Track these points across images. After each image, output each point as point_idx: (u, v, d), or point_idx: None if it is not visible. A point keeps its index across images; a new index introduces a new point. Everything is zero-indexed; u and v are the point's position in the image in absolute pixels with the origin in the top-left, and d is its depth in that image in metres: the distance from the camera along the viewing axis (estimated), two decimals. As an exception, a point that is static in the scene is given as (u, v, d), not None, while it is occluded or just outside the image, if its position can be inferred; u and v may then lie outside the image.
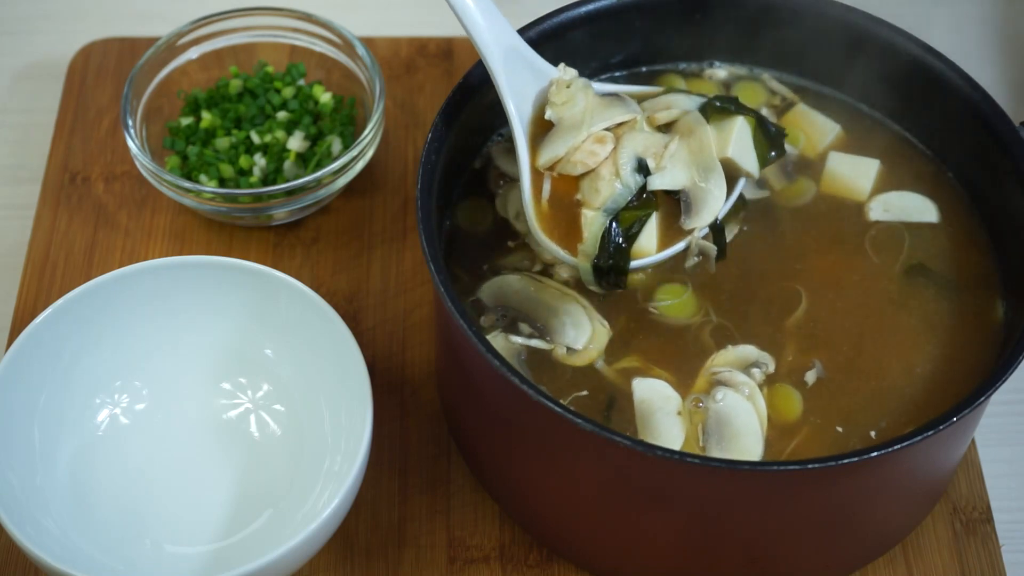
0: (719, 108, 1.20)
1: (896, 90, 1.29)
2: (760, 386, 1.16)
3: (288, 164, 1.42)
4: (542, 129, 1.19)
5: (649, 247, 1.17)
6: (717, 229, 1.19)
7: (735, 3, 1.30)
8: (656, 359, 1.18)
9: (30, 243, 1.42)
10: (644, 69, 1.34)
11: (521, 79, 1.19)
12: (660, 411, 1.14)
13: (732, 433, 1.14)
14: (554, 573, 1.24)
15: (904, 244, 1.24)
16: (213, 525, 1.22)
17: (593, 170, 1.16)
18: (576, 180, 1.17)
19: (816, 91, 1.33)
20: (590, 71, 1.33)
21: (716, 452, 1.13)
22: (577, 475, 1.14)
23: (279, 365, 1.28)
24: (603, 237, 1.16)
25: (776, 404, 1.16)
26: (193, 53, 1.47)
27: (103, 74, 1.54)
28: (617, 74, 1.34)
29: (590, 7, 1.28)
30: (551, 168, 1.18)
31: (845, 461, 1.05)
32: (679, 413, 1.15)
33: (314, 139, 1.44)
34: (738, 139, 1.19)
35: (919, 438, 1.06)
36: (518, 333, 1.18)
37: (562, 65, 1.21)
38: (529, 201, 1.18)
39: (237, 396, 1.29)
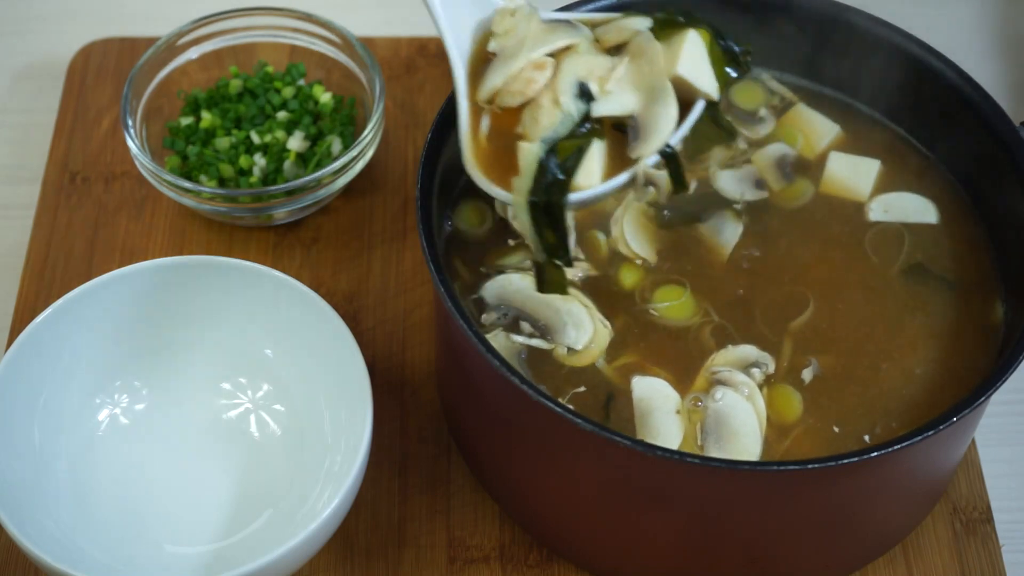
0: (666, 22, 1.11)
1: (896, 90, 1.29)
2: (760, 386, 1.16)
3: (288, 164, 1.42)
4: (485, 63, 1.13)
5: (590, 180, 1.10)
6: (670, 156, 1.10)
7: (734, 3, 1.30)
8: (656, 359, 1.18)
9: (30, 243, 1.42)
10: (644, 69, 1.34)
11: (462, 9, 1.13)
12: (659, 410, 1.14)
13: (731, 433, 1.14)
14: (554, 573, 1.24)
15: (904, 245, 1.24)
16: (213, 525, 1.22)
17: (533, 99, 1.09)
18: (518, 112, 1.10)
19: (816, 91, 1.33)
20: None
21: (714, 451, 1.13)
22: (577, 475, 1.14)
23: (279, 365, 1.28)
24: (539, 170, 1.08)
25: (776, 404, 1.16)
26: (193, 53, 1.47)
27: (103, 74, 1.54)
28: (617, 74, 1.34)
29: (589, 7, 1.28)
30: (491, 101, 1.11)
31: (845, 461, 1.05)
32: (678, 412, 1.15)
33: (314, 139, 1.44)
34: (690, 55, 1.10)
35: (919, 438, 1.06)
36: (519, 332, 1.18)
37: None
38: (465, 136, 1.10)
39: (237, 396, 1.29)
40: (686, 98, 1.09)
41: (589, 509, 1.17)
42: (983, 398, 1.08)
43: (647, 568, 1.19)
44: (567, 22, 1.13)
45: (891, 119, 1.31)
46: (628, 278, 1.22)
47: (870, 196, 1.27)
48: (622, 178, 1.10)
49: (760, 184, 1.28)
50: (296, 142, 1.43)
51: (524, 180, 1.08)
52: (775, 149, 1.30)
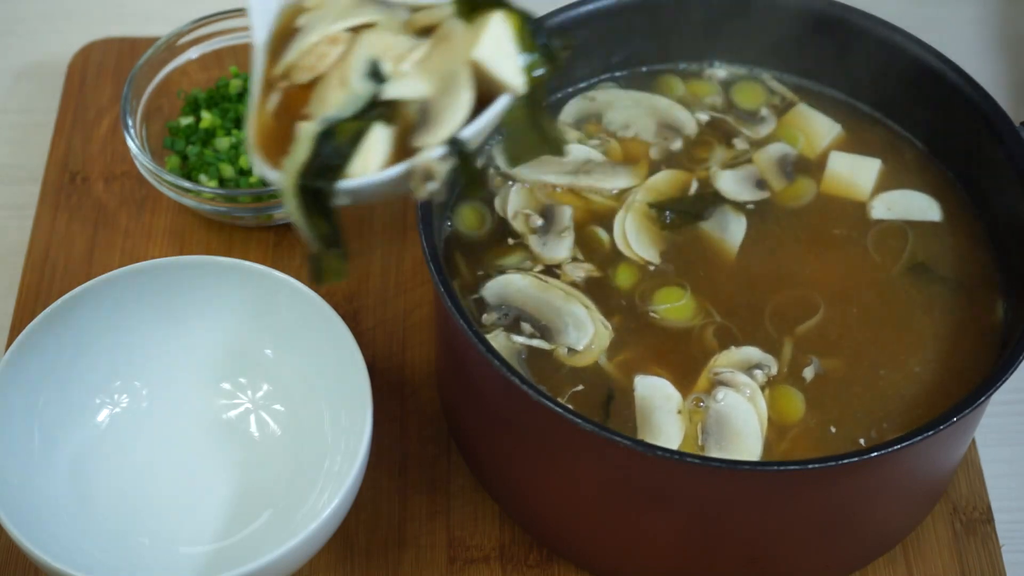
0: (478, 2, 0.98)
1: (896, 90, 1.29)
2: (762, 387, 1.16)
3: (288, 164, 1.42)
4: (292, 38, 1.03)
5: (367, 168, 0.97)
6: (461, 153, 0.97)
7: (735, 3, 1.30)
8: (657, 358, 1.18)
9: (30, 243, 1.42)
10: (644, 69, 1.34)
11: None
12: (660, 409, 1.14)
13: (732, 433, 1.14)
14: (554, 573, 1.24)
15: (907, 243, 1.24)
16: (213, 525, 1.22)
17: (323, 76, 0.99)
18: (310, 90, 1.00)
19: (816, 91, 1.33)
20: (590, 71, 1.33)
21: (715, 452, 1.13)
22: (577, 475, 1.14)
23: (279, 365, 1.28)
24: (313, 152, 0.97)
25: (777, 405, 1.16)
26: (193, 53, 1.47)
27: (103, 74, 1.54)
28: (617, 74, 1.34)
29: (590, 7, 1.28)
30: (286, 76, 1.01)
31: (845, 461, 1.05)
32: (679, 412, 1.15)
33: (314, 139, 1.44)
34: (492, 40, 0.97)
35: (919, 438, 1.06)
36: (520, 333, 1.18)
37: None
38: (251, 110, 0.99)
39: (237, 396, 1.29)
40: (490, 87, 0.97)
41: (589, 509, 1.17)
42: (983, 398, 1.08)
43: (647, 568, 1.19)
44: (384, 2, 1.02)
45: (891, 119, 1.31)
46: (626, 278, 1.22)
47: (871, 195, 1.27)
48: (398, 169, 0.97)
49: (761, 184, 1.28)
50: (296, 142, 1.43)
51: (295, 161, 0.96)
52: (776, 149, 1.30)
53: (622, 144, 1.30)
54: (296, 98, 1.00)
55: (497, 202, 1.26)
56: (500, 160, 1.28)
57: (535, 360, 1.17)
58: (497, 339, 1.17)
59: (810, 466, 1.05)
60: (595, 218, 1.25)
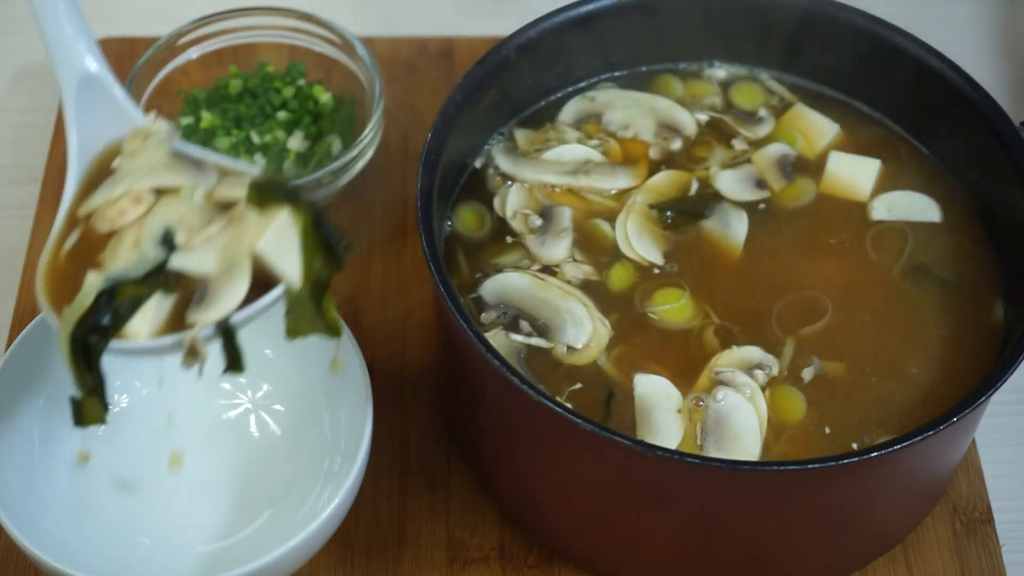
0: (267, 193, 1.00)
1: (896, 90, 1.29)
2: (762, 388, 1.16)
3: (288, 164, 1.42)
4: (108, 177, 1.05)
5: (140, 331, 1.00)
6: (226, 333, 1.00)
7: (735, 3, 1.30)
8: (658, 357, 1.18)
9: (30, 243, 1.42)
10: (644, 69, 1.34)
11: (100, 115, 1.06)
12: (659, 408, 1.14)
13: (731, 433, 1.14)
14: (554, 573, 1.24)
15: (907, 244, 1.24)
16: (213, 525, 1.22)
17: (119, 231, 1.01)
18: (105, 239, 1.01)
19: (815, 91, 1.33)
20: (590, 71, 1.33)
21: (713, 452, 1.13)
22: (577, 475, 1.14)
23: (279, 365, 1.27)
24: (92, 307, 0.98)
25: (778, 406, 1.16)
26: (193, 53, 1.47)
27: (103, 74, 1.54)
28: (617, 73, 1.34)
29: (590, 7, 1.28)
30: (88, 218, 1.02)
31: (845, 461, 1.05)
32: (679, 411, 1.15)
33: (314, 139, 1.44)
34: (278, 235, 1.00)
35: (919, 438, 1.06)
36: (518, 331, 1.18)
37: (152, 114, 1.07)
38: (49, 245, 1.02)
39: (237, 396, 1.29)
40: (270, 276, 1.01)
41: (589, 509, 1.17)
42: (983, 398, 1.08)
43: (647, 568, 1.19)
44: (197, 161, 1.05)
45: (891, 119, 1.31)
46: (620, 279, 1.21)
47: (871, 195, 1.27)
48: (167, 340, 1.00)
49: (761, 184, 1.28)
50: (296, 142, 1.43)
51: (75, 311, 0.98)
52: (775, 149, 1.30)
53: (622, 144, 1.30)
54: (94, 241, 1.02)
55: (496, 202, 1.26)
56: (500, 160, 1.28)
57: (534, 359, 1.17)
58: (496, 338, 1.17)
59: (810, 466, 1.05)
60: (597, 218, 1.25)
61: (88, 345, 0.99)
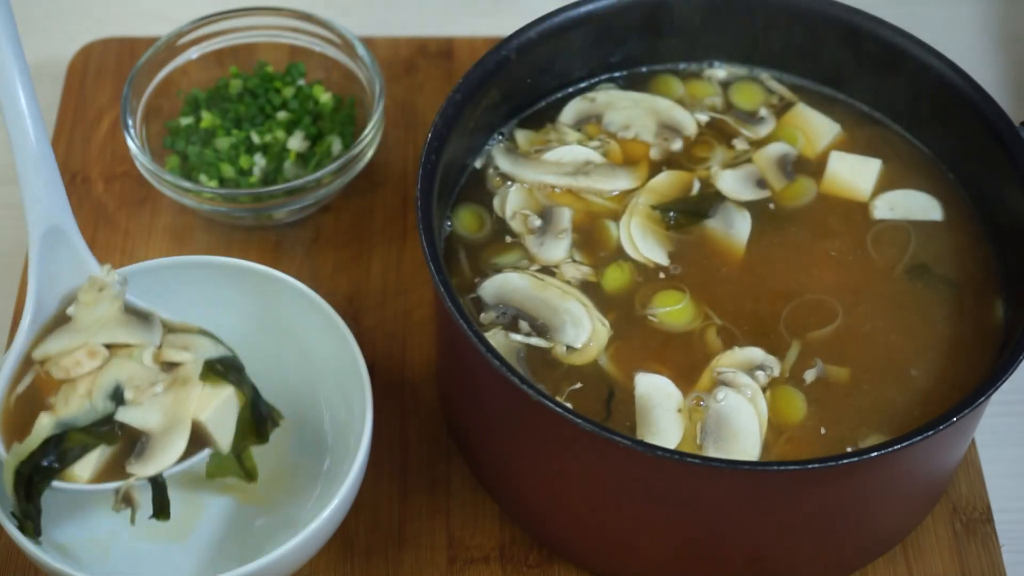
0: (218, 372, 1.15)
1: (896, 90, 1.29)
2: (763, 389, 1.16)
3: (288, 164, 1.42)
4: (62, 322, 1.15)
5: (82, 474, 1.10)
6: (157, 484, 1.12)
7: (735, 3, 1.30)
8: (659, 356, 1.18)
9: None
10: (644, 69, 1.34)
11: (60, 263, 1.15)
12: (660, 407, 1.14)
13: (730, 434, 1.14)
14: (554, 573, 1.24)
15: (909, 243, 1.24)
16: (213, 525, 1.22)
17: (72, 380, 1.12)
18: (58, 384, 1.12)
19: (816, 91, 1.33)
20: (590, 71, 1.33)
21: (713, 452, 1.13)
22: (577, 475, 1.14)
23: (279, 365, 1.27)
24: (40, 447, 1.09)
25: (779, 407, 1.15)
26: (193, 53, 1.47)
27: (103, 74, 1.54)
28: (617, 74, 1.34)
29: (590, 7, 1.28)
30: (43, 363, 1.13)
31: (845, 461, 1.05)
32: (679, 410, 1.15)
33: (314, 139, 1.44)
34: (220, 409, 1.14)
35: (919, 438, 1.06)
36: (518, 331, 1.18)
37: (107, 267, 1.17)
38: (3, 384, 1.12)
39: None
40: (199, 438, 1.13)
41: (589, 509, 1.17)
42: (983, 398, 1.08)
43: (647, 568, 1.19)
44: (146, 317, 1.16)
45: (891, 119, 1.31)
46: (614, 279, 1.21)
47: (872, 195, 1.27)
48: (106, 486, 1.11)
49: (762, 183, 1.28)
50: (296, 142, 1.43)
51: (24, 448, 1.09)
52: (776, 148, 1.30)
53: (622, 145, 1.30)
54: (46, 382, 1.12)
55: (496, 202, 1.26)
56: (500, 161, 1.28)
57: (533, 359, 1.17)
58: (495, 338, 1.17)
59: (810, 466, 1.05)
60: (597, 219, 1.25)
61: (32, 480, 1.09)
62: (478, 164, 1.29)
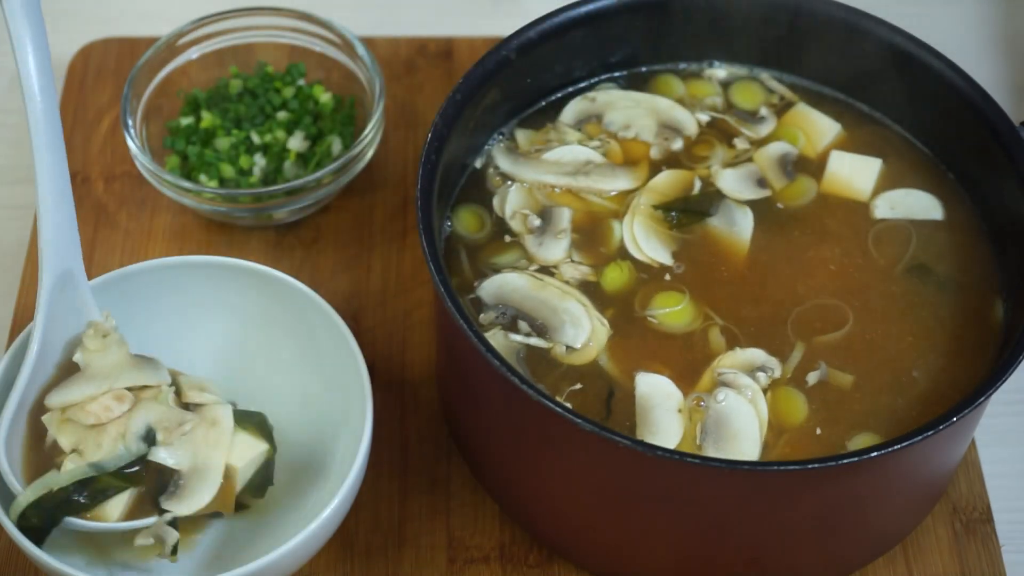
0: (249, 422, 1.19)
1: (896, 90, 1.29)
2: (764, 390, 1.16)
3: (288, 164, 1.42)
4: (66, 371, 1.18)
5: (112, 513, 1.14)
6: (174, 524, 1.15)
7: (735, 3, 1.30)
8: (659, 356, 1.18)
9: (30, 243, 1.42)
10: (644, 69, 1.34)
11: (67, 306, 1.18)
12: (660, 407, 1.14)
13: (730, 434, 1.14)
14: (554, 573, 1.24)
15: (910, 242, 1.24)
16: (213, 524, 1.22)
17: (102, 424, 1.15)
18: (85, 428, 1.15)
19: (816, 91, 1.33)
20: (590, 71, 1.33)
21: (712, 452, 1.13)
22: (577, 475, 1.14)
23: (279, 365, 1.27)
24: (71, 486, 1.13)
25: (779, 408, 1.15)
26: (193, 53, 1.47)
27: (103, 74, 1.54)
28: (617, 74, 1.34)
29: (590, 7, 1.28)
30: (63, 410, 1.16)
31: (845, 461, 1.05)
32: (679, 410, 1.15)
33: (314, 139, 1.44)
34: (246, 457, 1.18)
35: (919, 438, 1.06)
36: (517, 331, 1.18)
37: (107, 313, 1.20)
38: (18, 441, 1.15)
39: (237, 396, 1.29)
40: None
41: (589, 509, 1.17)
42: (983, 398, 1.08)
43: (647, 568, 1.19)
44: (152, 361, 1.19)
45: (891, 119, 1.31)
46: (613, 279, 1.21)
47: (873, 194, 1.27)
48: (135, 523, 1.14)
49: (762, 183, 1.28)
50: (296, 142, 1.43)
51: (48, 483, 1.12)
52: (776, 148, 1.30)
53: (623, 144, 1.30)
54: (62, 428, 1.15)
55: (495, 201, 1.26)
56: (500, 160, 1.28)
57: (533, 359, 1.17)
58: (495, 338, 1.17)
59: (810, 466, 1.05)
60: (597, 219, 1.25)
61: (55, 514, 1.12)
62: (478, 164, 1.29)
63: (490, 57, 1.25)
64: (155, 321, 1.27)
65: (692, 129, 1.31)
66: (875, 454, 1.05)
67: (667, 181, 1.27)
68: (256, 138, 1.42)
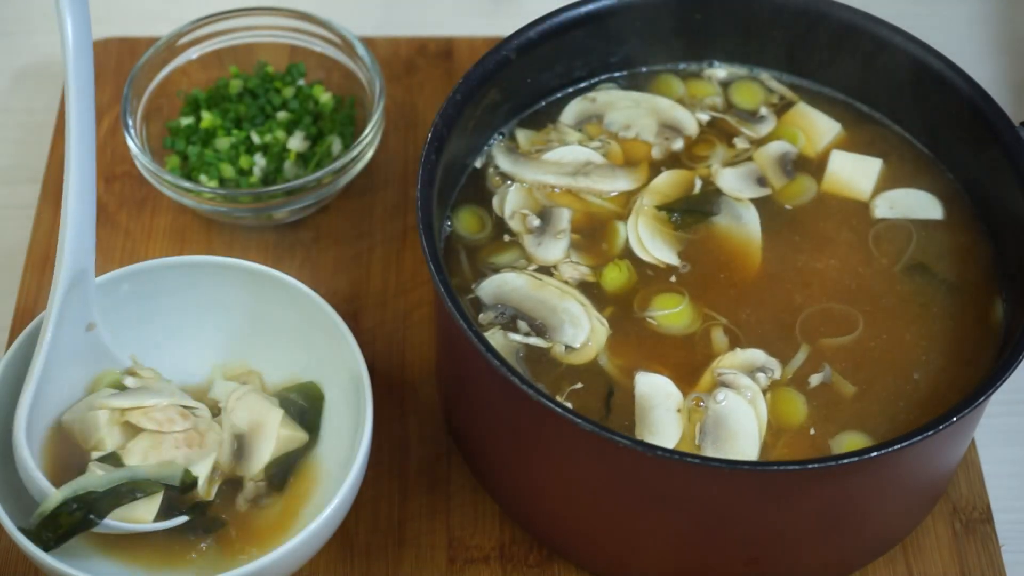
0: (301, 410, 1.24)
1: (896, 90, 1.29)
2: (764, 391, 1.16)
3: (288, 164, 1.42)
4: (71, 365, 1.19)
5: (145, 516, 1.15)
6: (200, 504, 1.19)
7: (735, 3, 1.30)
8: (659, 356, 1.18)
9: (30, 243, 1.42)
10: (644, 69, 1.34)
11: (75, 304, 1.18)
12: (659, 407, 1.14)
13: (729, 434, 1.14)
14: (554, 573, 1.24)
15: (910, 241, 1.24)
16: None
17: (160, 433, 1.17)
18: (138, 432, 1.17)
19: (816, 91, 1.33)
20: (590, 71, 1.33)
21: (711, 452, 1.13)
22: (577, 475, 1.14)
23: (280, 365, 1.27)
24: (111, 488, 1.14)
25: (779, 408, 1.15)
26: (193, 53, 1.47)
27: (103, 74, 1.54)
28: (617, 74, 1.34)
29: (590, 7, 1.28)
30: (122, 411, 1.18)
31: (845, 461, 1.05)
32: (679, 410, 1.15)
33: (314, 139, 1.44)
34: (287, 440, 1.22)
35: (919, 438, 1.06)
36: (516, 331, 1.18)
37: (131, 355, 1.23)
38: (28, 406, 1.15)
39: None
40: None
41: (588, 509, 1.17)
42: (983, 398, 1.08)
43: (647, 568, 1.19)
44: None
45: (891, 119, 1.31)
46: (613, 279, 1.21)
47: (872, 194, 1.27)
48: (172, 522, 1.17)
49: (762, 181, 1.28)
50: (296, 142, 1.43)
51: (84, 484, 1.14)
52: (776, 147, 1.30)
53: (623, 144, 1.30)
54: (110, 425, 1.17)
55: (495, 201, 1.26)
56: (500, 160, 1.28)
57: (533, 358, 1.17)
58: (495, 338, 1.17)
59: (810, 466, 1.05)
60: (595, 221, 1.25)
61: (91, 512, 1.13)
62: (478, 164, 1.29)
63: (490, 57, 1.25)
64: (155, 321, 1.27)
65: (692, 129, 1.31)
66: (875, 454, 1.05)
67: (668, 181, 1.27)
68: (256, 138, 1.42)
